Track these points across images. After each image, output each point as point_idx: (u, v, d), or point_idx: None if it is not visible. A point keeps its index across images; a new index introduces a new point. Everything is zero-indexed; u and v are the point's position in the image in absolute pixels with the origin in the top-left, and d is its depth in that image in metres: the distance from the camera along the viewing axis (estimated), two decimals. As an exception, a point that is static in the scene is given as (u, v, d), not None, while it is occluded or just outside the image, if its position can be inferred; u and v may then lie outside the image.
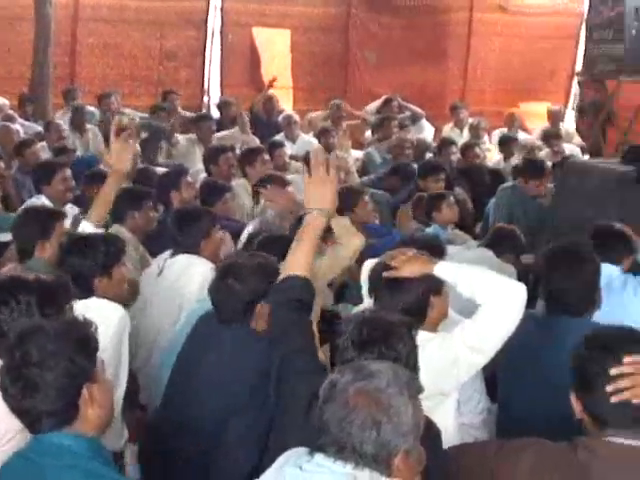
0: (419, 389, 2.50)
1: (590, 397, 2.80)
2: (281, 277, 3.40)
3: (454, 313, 3.83)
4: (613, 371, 2.73)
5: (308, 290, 3.30)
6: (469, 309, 3.59)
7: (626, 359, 2.75)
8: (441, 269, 3.55)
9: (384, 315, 3.12)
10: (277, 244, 4.68)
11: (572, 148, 11.24)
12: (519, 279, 3.90)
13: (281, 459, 2.58)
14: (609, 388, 2.72)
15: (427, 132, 12.08)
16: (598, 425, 2.79)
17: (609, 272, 4.67)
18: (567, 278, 3.94)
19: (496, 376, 4.09)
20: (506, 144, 10.83)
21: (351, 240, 4.38)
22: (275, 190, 6.15)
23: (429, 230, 6.82)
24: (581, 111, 10.70)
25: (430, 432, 2.52)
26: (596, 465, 2.70)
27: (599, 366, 2.77)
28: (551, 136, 11.00)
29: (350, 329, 3.02)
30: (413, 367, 2.93)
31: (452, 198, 7.10)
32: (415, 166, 9.04)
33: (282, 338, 3.22)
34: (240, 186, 7.54)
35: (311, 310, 3.32)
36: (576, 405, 2.85)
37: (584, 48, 12.78)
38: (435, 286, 3.60)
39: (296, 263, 3.34)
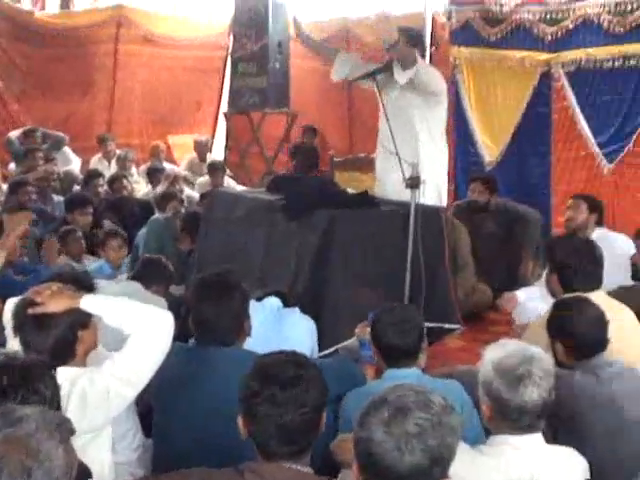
0: (71, 431, 2.42)
1: (255, 428, 2.84)
2: None
3: (102, 348, 3.77)
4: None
5: None
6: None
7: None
8: (87, 302, 3.50)
9: (19, 358, 2.98)
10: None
11: (226, 179, 11.47)
12: (171, 311, 3.88)
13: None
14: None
15: (74, 164, 11.90)
16: (264, 456, 2.83)
17: (276, 302, 4.96)
18: (215, 308, 3.94)
19: (151, 411, 4.05)
20: (154, 174, 11.06)
21: None
22: None
23: (96, 265, 7.10)
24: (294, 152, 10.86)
25: (79, 474, 2.44)
26: None
27: (258, 395, 2.82)
28: (216, 168, 11.24)
29: None
30: (57, 407, 2.83)
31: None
32: (61, 198, 8.92)
33: None
34: None
35: None
36: (242, 430, 2.89)
37: (230, 81, 13.12)
38: (82, 320, 3.53)
39: None
